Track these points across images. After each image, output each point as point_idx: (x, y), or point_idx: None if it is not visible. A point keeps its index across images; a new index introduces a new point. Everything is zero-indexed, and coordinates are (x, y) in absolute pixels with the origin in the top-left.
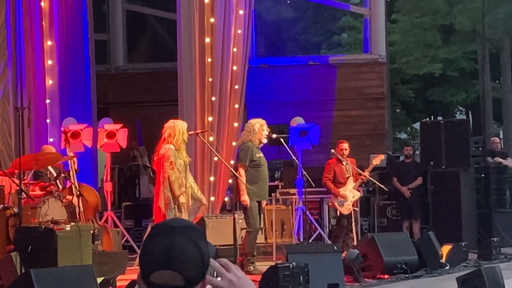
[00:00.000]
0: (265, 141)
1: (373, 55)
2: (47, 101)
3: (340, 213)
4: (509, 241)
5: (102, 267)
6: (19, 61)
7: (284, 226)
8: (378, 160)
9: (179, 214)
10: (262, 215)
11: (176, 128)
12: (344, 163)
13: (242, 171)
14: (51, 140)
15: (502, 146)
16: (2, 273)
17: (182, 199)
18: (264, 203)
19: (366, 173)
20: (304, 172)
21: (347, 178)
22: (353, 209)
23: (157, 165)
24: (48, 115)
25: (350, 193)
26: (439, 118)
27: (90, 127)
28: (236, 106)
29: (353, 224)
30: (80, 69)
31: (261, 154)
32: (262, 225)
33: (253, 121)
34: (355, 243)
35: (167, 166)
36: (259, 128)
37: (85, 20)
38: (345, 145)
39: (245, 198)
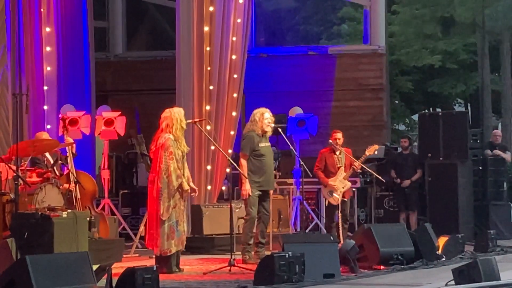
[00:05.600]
0: (268, 129)
1: (372, 46)
2: (45, 87)
3: (329, 203)
4: (505, 234)
5: (98, 255)
6: (17, 47)
7: (281, 216)
8: (371, 150)
9: (180, 202)
10: (268, 205)
11: (174, 117)
12: (337, 153)
13: (243, 160)
14: (48, 127)
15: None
16: None
17: (186, 186)
18: (271, 192)
19: (358, 163)
20: (301, 162)
21: (338, 168)
22: (343, 200)
23: (155, 154)
24: (46, 102)
25: (340, 183)
26: (438, 110)
27: (88, 114)
28: (235, 95)
29: (340, 214)
30: (78, 56)
31: (266, 144)
32: (266, 213)
33: (256, 110)
34: (341, 233)
35: (166, 156)
36: (259, 117)
37: (84, 7)
38: (339, 135)
39: (245, 188)
